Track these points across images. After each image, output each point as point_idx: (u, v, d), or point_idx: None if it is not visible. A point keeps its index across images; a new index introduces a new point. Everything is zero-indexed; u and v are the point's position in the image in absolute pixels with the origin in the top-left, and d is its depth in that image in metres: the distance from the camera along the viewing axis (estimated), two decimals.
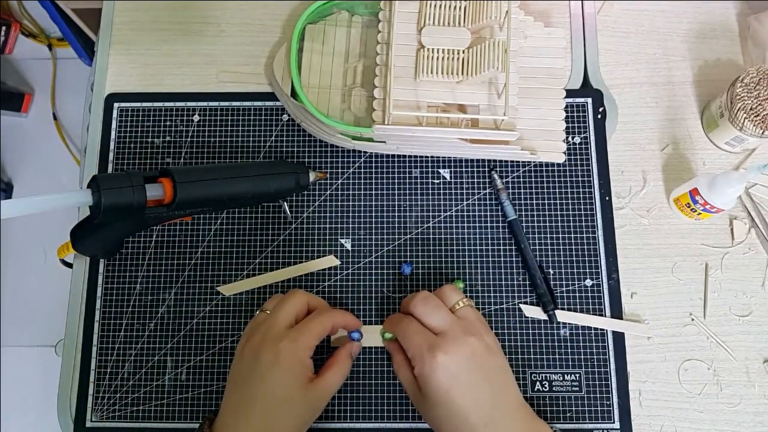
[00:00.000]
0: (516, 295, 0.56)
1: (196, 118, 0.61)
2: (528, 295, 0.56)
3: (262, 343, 0.47)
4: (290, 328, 0.48)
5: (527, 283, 0.56)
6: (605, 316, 0.55)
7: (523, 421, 0.47)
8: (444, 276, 0.56)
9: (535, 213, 0.58)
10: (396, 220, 0.58)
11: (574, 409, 0.53)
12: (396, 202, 0.58)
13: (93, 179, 0.46)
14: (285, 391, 0.46)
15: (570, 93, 0.59)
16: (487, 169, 0.59)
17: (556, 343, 0.55)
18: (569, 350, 0.55)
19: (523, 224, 0.57)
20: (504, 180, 0.58)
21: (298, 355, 0.47)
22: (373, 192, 0.59)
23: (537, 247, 0.57)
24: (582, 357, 0.54)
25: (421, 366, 0.46)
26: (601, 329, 0.55)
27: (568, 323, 0.55)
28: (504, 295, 0.56)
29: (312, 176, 0.56)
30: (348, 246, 0.58)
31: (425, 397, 0.47)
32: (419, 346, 0.47)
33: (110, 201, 0.45)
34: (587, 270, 0.56)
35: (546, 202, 0.58)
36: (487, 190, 0.58)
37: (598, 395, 0.54)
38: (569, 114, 0.60)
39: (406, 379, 0.49)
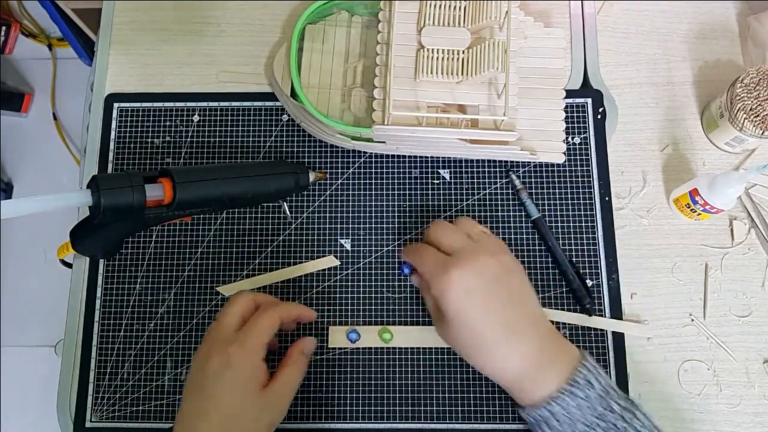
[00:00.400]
0: None
1: (195, 118, 0.61)
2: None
3: (212, 348, 0.46)
4: (238, 330, 0.47)
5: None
6: (605, 316, 0.55)
7: (540, 339, 0.47)
8: None
9: None
10: (396, 220, 0.58)
11: None
12: (396, 202, 0.58)
13: (93, 179, 0.46)
14: (240, 397, 0.45)
15: (570, 93, 0.59)
16: (486, 169, 0.59)
17: None
18: None
19: (523, 224, 0.57)
20: (506, 180, 0.58)
21: (248, 359, 0.46)
22: (373, 192, 0.59)
23: (537, 247, 0.57)
24: None
25: (436, 285, 0.47)
26: (601, 329, 0.55)
27: (568, 323, 0.55)
28: None
29: (312, 176, 0.56)
30: (348, 246, 0.58)
31: (444, 317, 0.48)
32: (434, 266, 0.48)
33: (110, 201, 0.45)
34: (587, 270, 0.56)
35: (546, 202, 0.58)
36: (487, 191, 0.58)
37: None
38: (569, 114, 0.60)
39: (429, 305, 0.51)
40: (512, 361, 0.46)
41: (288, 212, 0.57)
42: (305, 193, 0.59)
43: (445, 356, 0.55)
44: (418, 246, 0.52)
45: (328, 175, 0.59)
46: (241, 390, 0.45)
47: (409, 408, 0.54)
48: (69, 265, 0.58)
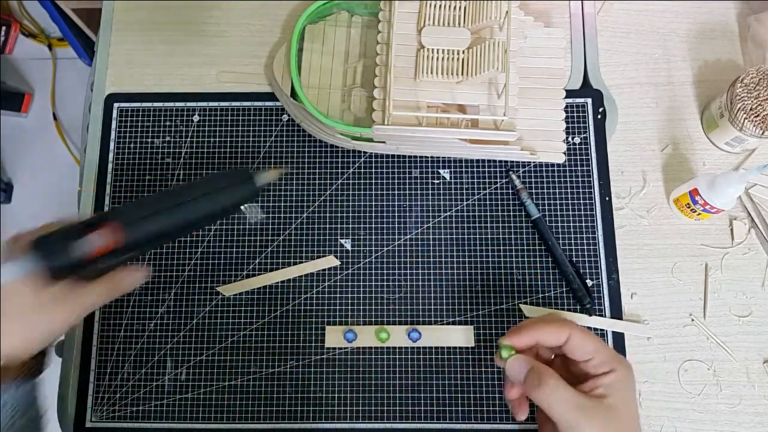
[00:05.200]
0: (516, 294, 0.56)
1: (195, 118, 0.61)
2: (528, 294, 0.56)
3: None
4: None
5: (525, 282, 0.56)
6: (605, 316, 0.55)
7: None
8: (444, 276, 0.56)
9: None
10: (396, 220, 0.58)
11: None
12: (396, 202, 0.58)
13: (33, 243, 0.43)
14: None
15: (570, 93, 0.59)
16: (486, 169, 0.59)
17: None
18: None
19: (523, 224, 0.57)
20: (506, 180, 0.58)
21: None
22: (373, 192, 0.59)
23: (537, 248, 0.57)
24: None
25: (619, 372, 0.41)
26: (601, 329, 0.55)
27: None
28: (504, 295, 0.56)
29: (264, 178, 0.50)
30: (348, 246, 0.58)
31: (613, 406, 0.40)
32: (610, 350, 0.43)
33: (52, 262, 0.42)
34: (587, 270, 0.56)
35: (546, 202, 0.58)
36: (487, 191, 0.58)
37: None
38: (569, 114, 0.60)
39: (573, 400, 0.40)
40: None
41: (254, 215, 0.56)
42: (305, 193, 0.59)
43: (442, 356, 0.55)
44: (568, 322, 0.43)
45: (327, 175, 0.59)
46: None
47: (406, 408, 0.54)
48: None
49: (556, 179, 0.58)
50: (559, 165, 0.59)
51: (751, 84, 0.55)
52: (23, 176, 1.46)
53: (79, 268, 0.44)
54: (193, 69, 0.63)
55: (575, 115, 0.60)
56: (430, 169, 0.59)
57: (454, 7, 0.57)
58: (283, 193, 0.59)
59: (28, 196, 1.45)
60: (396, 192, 0.59)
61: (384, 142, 0.56)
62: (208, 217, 0.47)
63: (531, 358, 0.43)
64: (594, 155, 0.59)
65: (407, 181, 0.59)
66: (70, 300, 0.45)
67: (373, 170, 0.59)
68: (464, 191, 0.59)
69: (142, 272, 0.47)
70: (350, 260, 0.57)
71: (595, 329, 0.55)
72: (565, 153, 0.57)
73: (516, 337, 0.43)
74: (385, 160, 0.60)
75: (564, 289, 0.56)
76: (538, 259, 0.57)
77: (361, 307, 0.56)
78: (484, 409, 0.53)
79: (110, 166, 0.60)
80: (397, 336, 0.55)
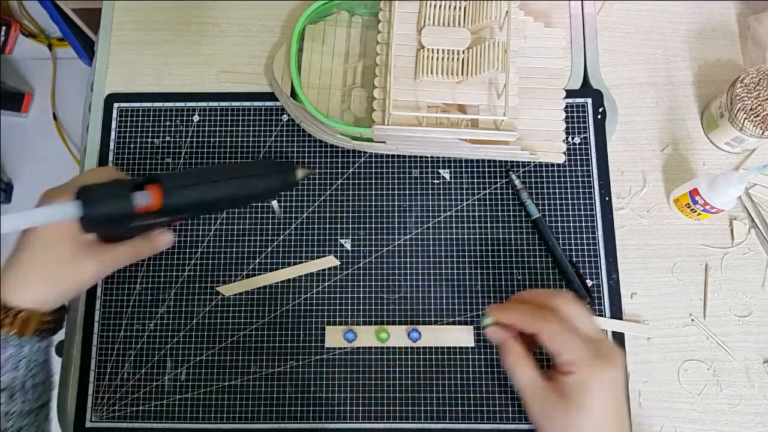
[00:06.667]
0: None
1: (195, 118, 0.61)
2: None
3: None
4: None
5: (525, 282, 0.56)
6: (605, 316, 0.55)
7: None
8: (444, 276, 0.56)
9: None
10: (396, 220, 0.58)
11: None
12: (396, 202, 0.58)
13: (80, 190, 0.45)
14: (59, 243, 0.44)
15: (570, 93, 0.59)
16: (486, 169, 0.59)
17: None
18: None
19: (523, 224, 0.57)
20: (506, 180, 0.58)
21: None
22: (373, 192, 0.59)
23: (537, 247, 0.57)
24: None
25: (585, 374, 0.42)
26: (601, 330, 0.55)
27: None
28: (504, 295, 0.56)
29: (300, 173, 0.54)
30: (348, 246, 0.58)
31: (568, 405, 0.42)
32: (581, 351, 0.42)
33: (98, 211, 0.44)
34: (587, 270, 0.56)
35: (546, 202, 0.58)
36: (487, 191, 0.58)
37: None
38: (569, 114, 0.60)
39: (530, 380, 0.44)
40: None
41: (277, 210, 0.57)
42: (305, 193, 0.59)
43: (442, 356, 0.55)
44: (548, 314, 0.44)
45: (319, 170, 0.59)
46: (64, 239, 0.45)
47: (406, 408, 0.54)
48: None
49: (556, 179, 0.58)
50: (559, 165, 0.59)
51: (751, 84, 0.55)
52: (23, 176, 1.46)
53: (117, 223, 0.45)
54: (193, 69, 0.63)
55: (575, 115, 0.60)
56: (430, 169, 0.59)
57: (454, 7, 0.57)
58: (283, 193, 0.59)
59: (28, 196, 1.45)
60: (396, 192, 0.59)
61: (384, 142, 0.56)
62: (244, 197, 0.50)
63: (503, 332, 0.46)
64: (594, 155, 0.59)
65: (407, 181, 0.59)
66: (102, 253, 0.46)
67: (373, 170, 0.59)
68: (464, 191, 0.59)
69: (171, 235, 0.50)
70: (350, 260, 0.57)
71: None
72: (565, 153, 0.57)
73: (499, 312, 0.47)
74: (385, 160, 0.60)
75: (564, 289, 0.56)
76: (538, 259, 0.57)
77: (361, 307, 0.56)
78: (484, 409, 0.53)
79: (110, 166, 0.60)
80: (397, 336, 0.55)
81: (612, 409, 0.42)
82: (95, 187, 0.45)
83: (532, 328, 0.44)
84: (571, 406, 0.41)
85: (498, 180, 0.59)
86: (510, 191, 0.58)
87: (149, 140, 0.61)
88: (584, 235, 0.57)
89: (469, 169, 0.59)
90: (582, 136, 0.60)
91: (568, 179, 0.58)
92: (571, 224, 0.57)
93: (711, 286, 0.56)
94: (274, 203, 0.57)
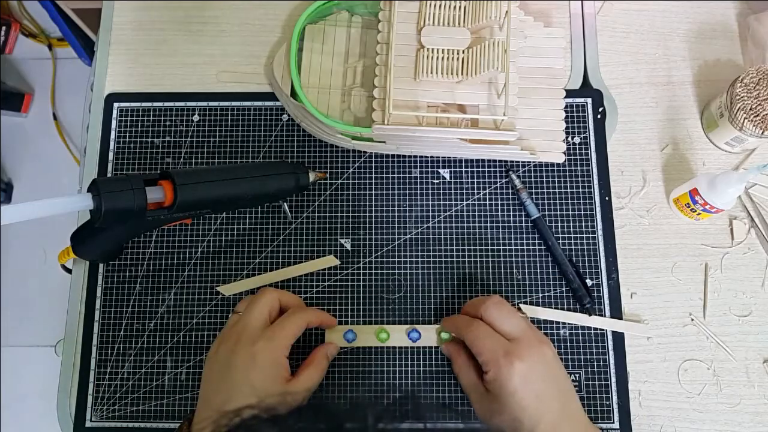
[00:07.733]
0: (516, 294, 0.56)
1: (195, 118, 0.61)
2: (528, 294, 0.56)
3: (237, 344, 0.47)
4: (265, 328, 0.48)
5: (525, 282, 0.56)
6: (605, 316, 0.55)
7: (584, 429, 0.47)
8: (444, 276, 0.56)
9: None
10: (396, 220, 0.58)
11: None
12: (396, 202, 0.58)
13: (93, 183, 0.46)
14: (263, 389, 0.45)
15: (570, 93, 0.59)
16: (486, 169, 0.59)
17: (555, 344, 0.54)
18: (569, 350, 0.55)
19: (523, 224, 0.57)
20: (506, 180, 0.58)
21: (274, 355, 0.46)
22: (373, 192, 0.59)
23: (537, 247, 0.57)
24: (582, 357, 0.54)
25: (496, 371, 0.46)
26: (601, 329, 0.55)
27: (568, 323, 0.55)
28: (504, 295, 0.56)
29: (312, 176, 0.56)
30: (348, 246, 0.58)
31: (495, 400, 0.47)
32: (494, 351, 0.47)
33: (111, 205, 0.45)
34: (587, 270, 0.56)
35: (546, 202, 0.58)
36: (487, 191, 0.58)
37: (597, 395, 0.54)
38: (569, 114, 0.60)
39: (469, 382, 0.50)
40: None
41: (288, 212, 0.57)
42: (305, 193, 0.59)
43: (442, 356, 0.54)
44: (471, 322, 0.50)
45: (327, 175, 0.59)
46: (263, 385, 0.46)
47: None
48: (69, 271, 0.58)
49: (556, 179, 0.58)
50: (559, 165, 0.59)
51: (751, 84, 0.55)
52: (23, 176, 1.46)
53: (129, 216, 0.46)
54: (193, 69, 0.63)
55: (575, 115, 0.60)
56: (430, 169, 0.59)
57: (454, 7, 0.57)
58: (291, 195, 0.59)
59: (28, 196, 1.45)
60: (396, 192, 0.59)
61: (384, 141, 0.56)
62: (256, 197, 0.53)
63: (451, 345, 0.53)
64: (594, 155, 0.59)
65: (407, 181, 0.59)
66: (299, 396, 0.48)
67: (373, 170, 0.59)
68: (464, 191, 0.59)
69: (337, 345, 0.54)
70: (350, 260, 0.57)
71: (595, 329, 0.55)
72: (564, 153, 0.57)
73: (444, 325, 0.54)
74: (385, 160, 0.60)
75: (564, 288, 0.56)
76: (538, 259, 0.57)
77: (361, 307, 0.56)
78: None
79: (110, 166, 0.60)
80: (397, 336, 0.55)
81: (527, 396, 0.46)
82: (109, 180, 0.46)
83: (461, 337, 0.50)
84: (494, 399, 0.47)
85: (498, 180, 0.59)
86: (510, 191, 0.58)
87: (149, 140, 0.61)
88: (584, 235, 0.57)
89: (469, 169, 0.59)
90: (582, 135, 0.60)
91: (568, 179, 0.58)
92: (571, 224, 0.57)
93: (711, 286, 0.56)
94: (285, 206, 0.57)
